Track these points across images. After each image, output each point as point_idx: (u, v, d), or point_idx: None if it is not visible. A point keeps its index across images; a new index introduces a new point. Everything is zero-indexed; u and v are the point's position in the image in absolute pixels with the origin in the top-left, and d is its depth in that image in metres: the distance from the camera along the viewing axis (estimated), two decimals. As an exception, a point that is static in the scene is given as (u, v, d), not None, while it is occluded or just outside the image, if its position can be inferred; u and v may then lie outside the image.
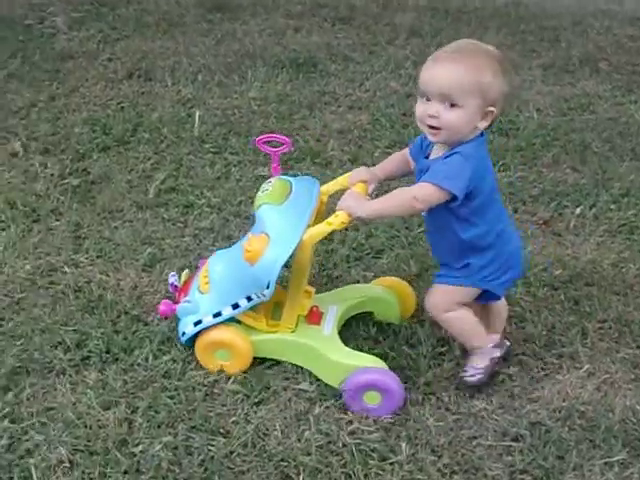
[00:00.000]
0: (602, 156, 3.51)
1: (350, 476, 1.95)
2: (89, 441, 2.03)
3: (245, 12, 5.03)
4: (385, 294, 2.47)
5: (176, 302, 2.33)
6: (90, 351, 2.34)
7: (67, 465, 1.96)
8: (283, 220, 2.16)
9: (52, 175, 3.21)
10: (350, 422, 2.10)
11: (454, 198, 1.97)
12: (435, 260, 2.32)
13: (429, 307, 2.21)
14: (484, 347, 2.22)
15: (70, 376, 2.25)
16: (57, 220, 2.95)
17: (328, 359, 2.22)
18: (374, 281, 2.57)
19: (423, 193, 1.98)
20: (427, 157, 2.11)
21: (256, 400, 2.17)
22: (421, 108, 2.01)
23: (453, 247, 2.13)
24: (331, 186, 2.31)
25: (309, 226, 2.15)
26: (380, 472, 1.96)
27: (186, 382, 2.22)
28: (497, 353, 2.23)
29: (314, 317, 2.31)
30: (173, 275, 2.41)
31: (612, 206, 3.10)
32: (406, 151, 2.23)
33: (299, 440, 2.04)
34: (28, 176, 3.20)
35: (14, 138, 3.50)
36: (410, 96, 3.88)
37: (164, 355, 2.31)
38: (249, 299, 2.22)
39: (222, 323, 2.26)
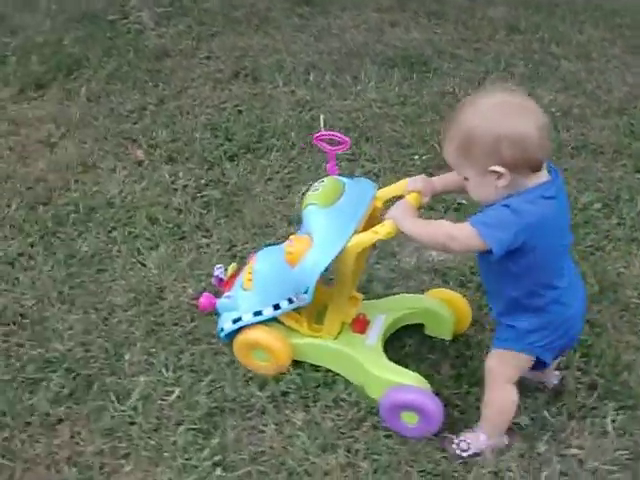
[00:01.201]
0: None
1: None
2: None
3: (334, 6, 4.80)
4: (439, 307, 2.33)
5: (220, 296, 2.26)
6: (288, 387, 2.15)
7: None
8: (329, 223, 2.04)
9: (187, 186, 3.01)
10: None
11: (489, 251, 1.73)
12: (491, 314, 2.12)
13: (487, 370, 1.97)
14: (497, 437, 1.99)
15: (273, 416, 2.07)
16: (205, 237, 2.75)
17: (368, 372, 2.11)
18: (428, 292, 2.41)
19: (462, 234, 1.77)
20: None
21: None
22: None
23: (501, 299, 1.91)
24: (389, 191, 2.17)
25: (358, 232, 2.02)
26: None
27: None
28: (491, 453, 1.99)
29: (359, 325, 2.21)
30: (219, 268, 2.32)
31: None
32: None
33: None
34: (162, 187, 3.00)
35: (132, 144, 3.29)
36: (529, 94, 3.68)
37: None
38: (290, 301, 2.12)
39: (262, 323, 2.17)
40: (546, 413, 2.11)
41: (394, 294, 2.45)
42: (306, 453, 1.97)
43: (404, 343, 2.31)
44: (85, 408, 2.08)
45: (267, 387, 2.15)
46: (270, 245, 2.41)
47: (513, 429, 2.04)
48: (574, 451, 2.02)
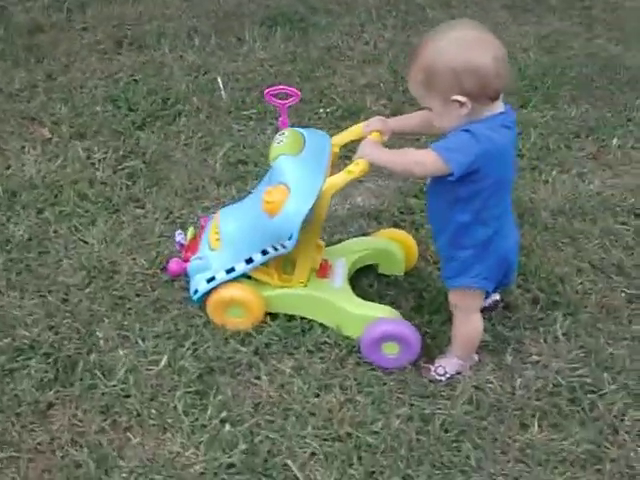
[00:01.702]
0: (607, 90, 3.69)
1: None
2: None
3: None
4: (390, 246, 2.47)
5: (185, 260, 2.29)
6: (270, 338, 2.23)
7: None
8: (302, 170, 2.13)
9: (104, 159, 2.95)
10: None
11: (450, 173, 1.87)
12: (435, 248, 2.29)
13: (454, 303, 2.13)
14: (466, 359, 2.18)
15: (261, 368, 2.15)
16: (139, 207, 2.74)
17: (345, 311, 2.23)
18: (376, 233, 2.58)
19: (426, 159, 1.91)
20: None
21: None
22: None
23: (448, 229, 2.04)
24: (344, 136, 2.29)
25: (326, 176, 2.13)
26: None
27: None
28: (468, 372, 2.18)
29: (323, 270, 2.31)
30: (180, 233, 2.37)
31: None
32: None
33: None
34: (80, 163, 2.93)
35: (33, 123, 3.17)
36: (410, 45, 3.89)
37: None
38: (264, 253, 2.19)
39: (233, 280, 2.23)
40: (503, 329, 2.32)
41: (340, 241, 2.55)
42: (304, 396, 2.06)
43: (362, 284, 2.43)
44: (74, 389, 2.04)
45: (249, 342, 2.21)
46: (226, 206, 2.43)
47: (480, 347, 2.22)
48: (535, 357, 2.23)
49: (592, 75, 3.78)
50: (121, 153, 2.99)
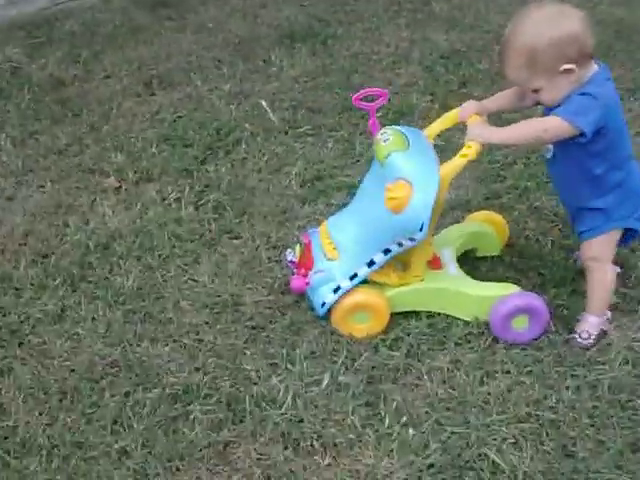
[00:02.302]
0: (628, 52, 3.76)
1: None
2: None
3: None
4: (484, 228, 2.53)
5: (303, 276, 2.30)
6: (418, 339, 2.23)
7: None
8: (417, 163, 2.17)
9: (182, 198, 2.94)
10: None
11: (582, 134, 1.97)
12: (567, 211, 2.33)
13: (591, 257, 2.18)
14: (602, 315, 2.23)
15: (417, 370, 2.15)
16: (236, 238, 2.73)
17: (468, 295, 2.27)
18: (468, 217, 2.63)
19: (553, 125, 2.00)
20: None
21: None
22: None
23: (585, 187, 2.13)
24: (436, 126, 2.34)
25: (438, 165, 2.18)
26: None
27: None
28: (608, 326, 2.24)
29: (435, 262, 2.34)
30: (290, 252, 2.40)
31: None
32: None
33: None
34: (160, 205, 2.91)
35: (94, 175, 3.15)
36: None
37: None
38: (386, 252, 2.21)
39: (355, 287, 2.25)
40: (627, 290, 2.36)
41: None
42: (471, 387, 2.08)
43: (471, 268, 2.43)
44: (247, 424, 2.02)
45: (398, 346, 2.22)
46: (331, 217, 2.44)
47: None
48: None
49: (609, 42, 3.83)
50: (197, 189, 2.98)
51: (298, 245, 2.42)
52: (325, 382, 2.12)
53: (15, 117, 3.57)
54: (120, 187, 3.04)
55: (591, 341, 2.19)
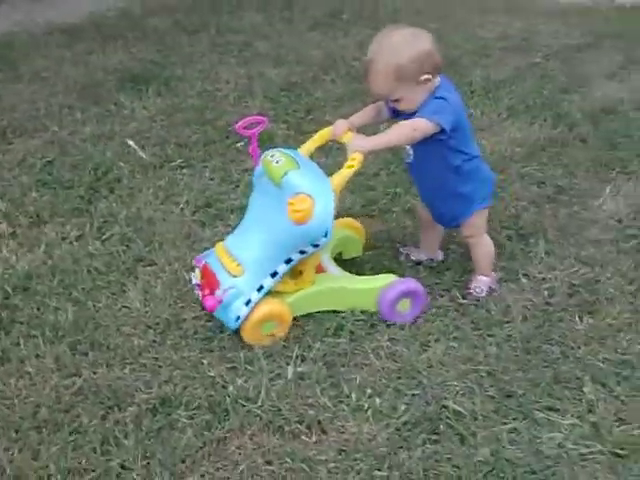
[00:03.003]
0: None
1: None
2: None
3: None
4: (348, 233, 2.87)
5: (210, 294, 2.48)
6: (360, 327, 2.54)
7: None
8: (311, 178, 2.44)
9: (83, 236, 3.01)
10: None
11: (442, 131, 2.40)
12: (430, 208, 2.73)
13: (470, 235, 2.67)
14: (490, 275, 2.72)
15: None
16: (151, 265, 2.86)
17: (358, 290, 2.59)
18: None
19: (420, 125, 2.40)
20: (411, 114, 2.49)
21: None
22: None
23: (448, 178, 2.55)
24: (310, 144, 2.65)
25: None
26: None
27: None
28: (494, 285, 2.72)
29: (319, 267, 2.64)
30: (194, 276, 2.60)
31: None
32: (380, 104, 2.61)
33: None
34: (65, 245, 2.96)
35: None
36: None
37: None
38: (288, 262, 2.44)
39: (261, 299, 2.44)
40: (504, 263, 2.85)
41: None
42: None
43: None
44: (232, 422, 2.21)
45: (342, 332, 2.50)
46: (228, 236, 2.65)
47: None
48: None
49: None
50: (96, 225, 3.06)
51: (197, 269, 2.58)
52: (289, 374, 2.35)
53: None
54: (14, 232, 3.03)
55: (483, 295, 2.65)
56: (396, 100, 2.46)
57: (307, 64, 4.49)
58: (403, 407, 2.24)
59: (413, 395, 2.28)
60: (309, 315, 2.56)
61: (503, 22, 5.10)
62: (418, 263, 2.87)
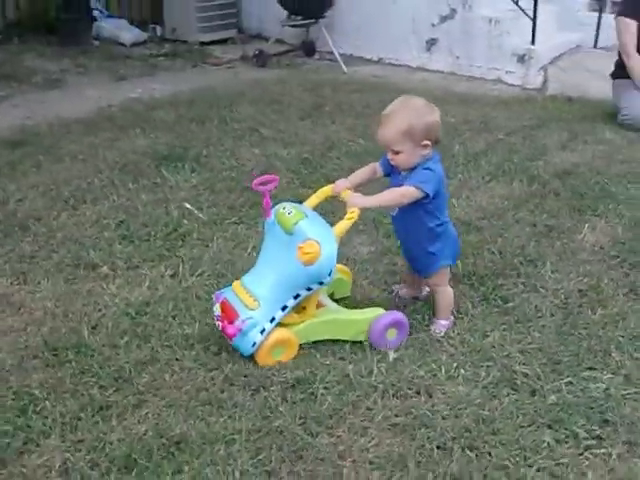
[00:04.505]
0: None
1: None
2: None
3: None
4: (341, 275, 3.30)
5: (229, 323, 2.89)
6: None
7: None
8: (317, 227, 2.92)
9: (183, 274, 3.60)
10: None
11: (426, 197, 2.89)
12: (406, 256, 3.28)
13: (435, 284, 3.17)
14: (448, 319, 3.19)
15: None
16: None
17: (353, 320, 3.04)
18: None
19: (409, 192, 2.89)
20: (399, 173, 3.01)
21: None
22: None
23: (422, 236, 3.03)
24: (314, 200, 3.11)
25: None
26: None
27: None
28: (450, 326, 3.18)
29: (318, 302, 3.06)
30: (215, 309, 2.99)
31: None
32: (375, 164, 3.11)
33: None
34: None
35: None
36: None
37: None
38: (296, 297, 2.89)
39: (275, 328, 2.89)
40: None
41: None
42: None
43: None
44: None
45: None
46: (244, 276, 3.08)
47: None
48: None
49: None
50: (185, 266, 3.65)
51: (217, 304, 2.98)
52: (391, 357, 3.00)
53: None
54: (115, 274, 3.59)
55: (442, 334, 3.12)
56: (396, 152, 2.90)
57: (311, 145, 5.26)
58: (483, 373, 2.92)
59: (488, 366, 2.97)
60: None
61: (461, 111, 6.07)
62: (415, 298, 3.38)
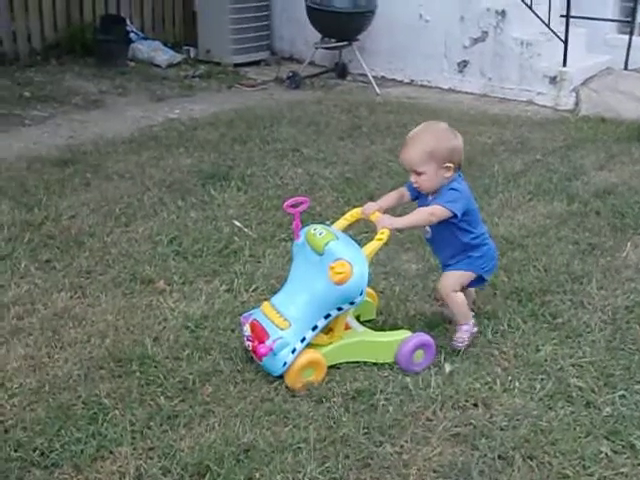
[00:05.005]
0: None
1: None
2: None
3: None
4: (368, 298, 3.25)
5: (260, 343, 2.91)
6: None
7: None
8: (348, 247, 2.96)
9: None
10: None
11: (454, 216, 2.98)
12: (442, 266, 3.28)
13: (441, 287, 3.18)
14: (469, 324, 3.20)
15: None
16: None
17: (380, 342, 3.06)
18: None
19: (436, 211, 2.99)
20: (426, 196, 3.10)
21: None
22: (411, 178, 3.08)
23: (456, 250, 3.13)
24: (343, 222, 3.17)
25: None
26: None
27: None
28: (475, 329, 3.23)
29: (346, 326, 3.11)
30: (245, 329, 3.02)
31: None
32: (403, 189, 3.19)
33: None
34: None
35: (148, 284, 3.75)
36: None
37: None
38: (327, 317, 2.91)
39: (304, 349, 2.90)
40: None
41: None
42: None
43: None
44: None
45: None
46: (273, 297, 3.14)
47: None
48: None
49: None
50: (239, 281, 3.75)
51: (247, 325, 3.03)
52: (447, 370, 3.08)
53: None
54: (171, 289, 3.69)
55: (466, 342, 3.16)
56: (419, 173, 2.99)
57: (352, 164, 5.37)
58: (538, 386, 2.99)
59: (542, 379, 3.04)
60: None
61: (495, 132, 6.17)
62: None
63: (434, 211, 2.99)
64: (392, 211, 3.26)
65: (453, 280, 3.18)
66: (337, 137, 6.02)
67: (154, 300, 3.59)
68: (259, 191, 4.88)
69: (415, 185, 3.07)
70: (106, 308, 3.52)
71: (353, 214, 3.18)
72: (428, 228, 3.14)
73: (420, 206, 3.13)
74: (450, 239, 3.11)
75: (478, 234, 3.14)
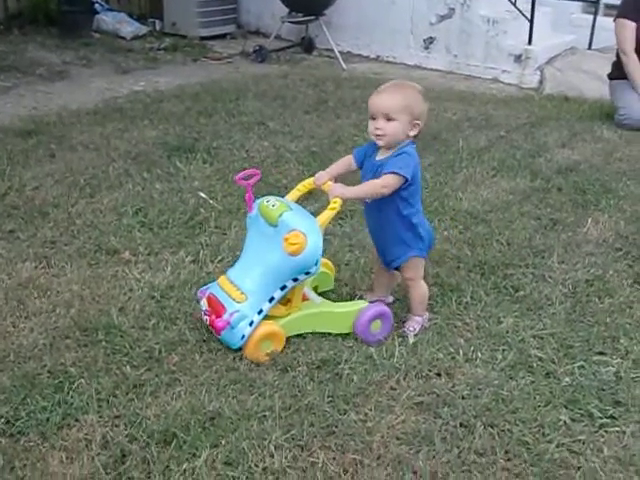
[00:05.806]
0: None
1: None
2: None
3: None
4: (325, 269, 3.34)
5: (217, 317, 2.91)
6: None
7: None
8: (303, 218, 2.93)
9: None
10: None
11: (405, 181, 2.88)
12: (377, 247, 3.20)
13: (408, 277, 3.15)
14: (424, 317, 3.21)
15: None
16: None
17: (338, 313, 3.09)
18: None
19: (389, 181, 2.88)
20: (375, 156, 2.99)
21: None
22: (371, 126, 2.94)
23: (395, 224, 3.01)
24: (295, 193, 3.13)
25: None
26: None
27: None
28: (427, 323, 3.21)
29: (304, 296, 3.11)
30: (202, 304, 3.04)
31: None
32: (351, 157, 3.11)
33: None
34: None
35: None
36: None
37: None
38: (283, 288, 2.91)
39: (262, 321, 2.91)
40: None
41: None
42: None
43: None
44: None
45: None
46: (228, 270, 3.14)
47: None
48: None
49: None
50: (205, 252, 3.75)
51: (203, 299, 3.04)
52: (411, 340, 3.12)
53: None
54: (137, 259, 3.68)
55: (416, 332, 3.13)
56: (389, 119, 2.88)
57: (318, 138, 5.38)
58: (500, 356, 3.05)
59: (504, 350, 3.10)
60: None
61: (461, 108, 6.22)
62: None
63: (386, 183, 2.88)
64: (343, 179, 3.21)
65: (416, 269, 3.16)
66: (303, 111, 6.02)
67: (120, 270, 3.58)
68: (225, 164, 4.87)
69: (377, 133, 2.92)
70: (71, 278, 3.50)
71: (305, 184, 3.13)
72: None
73: (366, 169, 3.05)
74: (389, 210, 3.00)
75: (417, 210, 3.05)
